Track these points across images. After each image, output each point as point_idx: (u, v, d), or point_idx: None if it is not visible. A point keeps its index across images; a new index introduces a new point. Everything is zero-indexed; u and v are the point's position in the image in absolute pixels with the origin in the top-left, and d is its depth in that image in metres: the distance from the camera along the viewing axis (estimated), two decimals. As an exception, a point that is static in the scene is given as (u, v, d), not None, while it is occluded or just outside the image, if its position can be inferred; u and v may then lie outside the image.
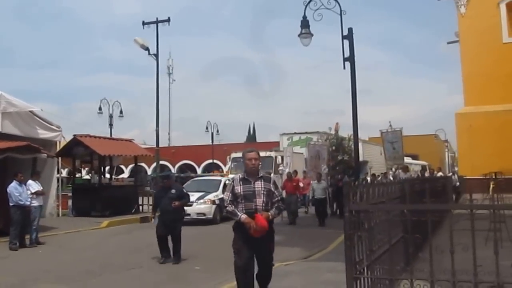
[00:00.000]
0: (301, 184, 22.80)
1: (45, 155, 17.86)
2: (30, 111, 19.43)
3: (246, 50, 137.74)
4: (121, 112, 38.12)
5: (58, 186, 22.44)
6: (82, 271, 10.62)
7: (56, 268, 11.16)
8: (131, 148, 24.92)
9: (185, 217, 12.49)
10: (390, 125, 21.74)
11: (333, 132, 30.53)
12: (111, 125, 37.59)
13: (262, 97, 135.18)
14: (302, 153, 28.16)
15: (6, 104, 17.83)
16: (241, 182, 7.04)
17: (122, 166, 45.80)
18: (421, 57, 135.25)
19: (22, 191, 13.97)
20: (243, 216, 6.77)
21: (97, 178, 22.91)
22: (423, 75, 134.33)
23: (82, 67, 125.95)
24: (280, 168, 24.30)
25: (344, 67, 17.22)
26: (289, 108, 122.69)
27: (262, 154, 23.57)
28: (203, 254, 12.65)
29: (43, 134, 20.02)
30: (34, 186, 14.65)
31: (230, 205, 6.97)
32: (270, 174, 23.89)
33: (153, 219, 12.42)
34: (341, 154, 26.64)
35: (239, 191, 6.95)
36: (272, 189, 7.00)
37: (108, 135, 32.19)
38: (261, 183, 6.96)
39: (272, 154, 27.34)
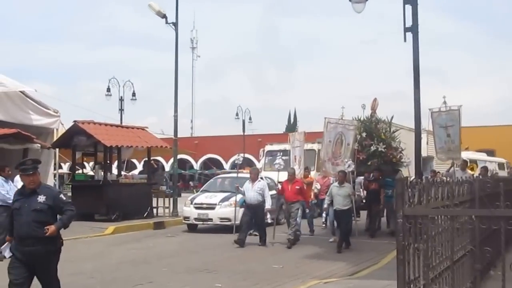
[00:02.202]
0: (318, 186, 20.20)
1: (39, 145, 18.18)
2: (22, 92, 19.73)
3: (286, 20, 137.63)
4: (133, 94, 38.55)
5: (55, 183, 22.68)
6: (78, 287, 10.68)
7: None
8: (144, 138, 25.02)
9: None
10: (445, 102, 18.25)
11: (368, 112, 22.38)
12: (121, 110, 38.02)
13: (305, 78, 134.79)
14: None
15: (-8, 84, 18.09)
16: None
17: (135, 161, 46.19)
18: (503, 28, 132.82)
19: (9, 189, 14.11)
20: None
21: (102, 174, 23.08)
22: (505, 49, 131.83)
23: (88, 39, 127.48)
24: (277, 162, 19.30)
25: (405, 39, 16.95)
26: (338, 91, 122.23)
27: (305, 147, 21.79)
28: (226, 267, 12.62)
29: (38, 120, 20.36)
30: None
31: None
32: (310, 172, 22.11)
33: (4, 251, 8.24)
34: (376, 143, 19.85)
35: None
36: None
37: (118, 122, 32.52)
38: None
39: (315, 146, 26.61)
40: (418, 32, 16.69)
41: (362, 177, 20.56)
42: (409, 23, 16.30)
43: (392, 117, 20.98)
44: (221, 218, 19.65)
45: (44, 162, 20.73)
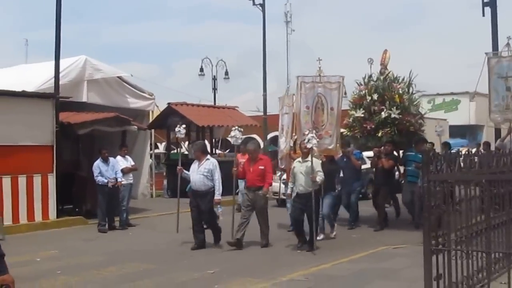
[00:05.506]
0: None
1: (136, 127, 19.88)
2: (119, 77, 21.81)
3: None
4: (226, 73, 40.03)
5: (151, 163, 24.88)
6: (173, 253, 12.74)
7: (146, 249, 13.32)
8: (234, 118, 26.63)
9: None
10: (508, 44, 14.40)
11: (378, 68, 16.94)
12: (214, 89, 39.79)
13: (405, 42, 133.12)
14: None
15: (92, 71, 20.07)
16: None
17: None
18: None
19: (107, 169, 16.16)
20: None
21: (195, 152, 24.92)
22: None
23: (180, 17, 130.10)
24: (233, 134, 14.18)
25: (483, 14, 17.76)
26: (445, 59, 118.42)
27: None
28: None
29: (134, 103, 22.34)
30: (122, 162, 16.85)
31: None
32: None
33: None
34: (388, 108, 15.56)
35: None
36: None
37: (211, 101, 34.42)
38: None
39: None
40: (497, 7, 17.47)
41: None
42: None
43: (411, 74, 16.68)
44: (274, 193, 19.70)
45: (140, 143, 22.87)
